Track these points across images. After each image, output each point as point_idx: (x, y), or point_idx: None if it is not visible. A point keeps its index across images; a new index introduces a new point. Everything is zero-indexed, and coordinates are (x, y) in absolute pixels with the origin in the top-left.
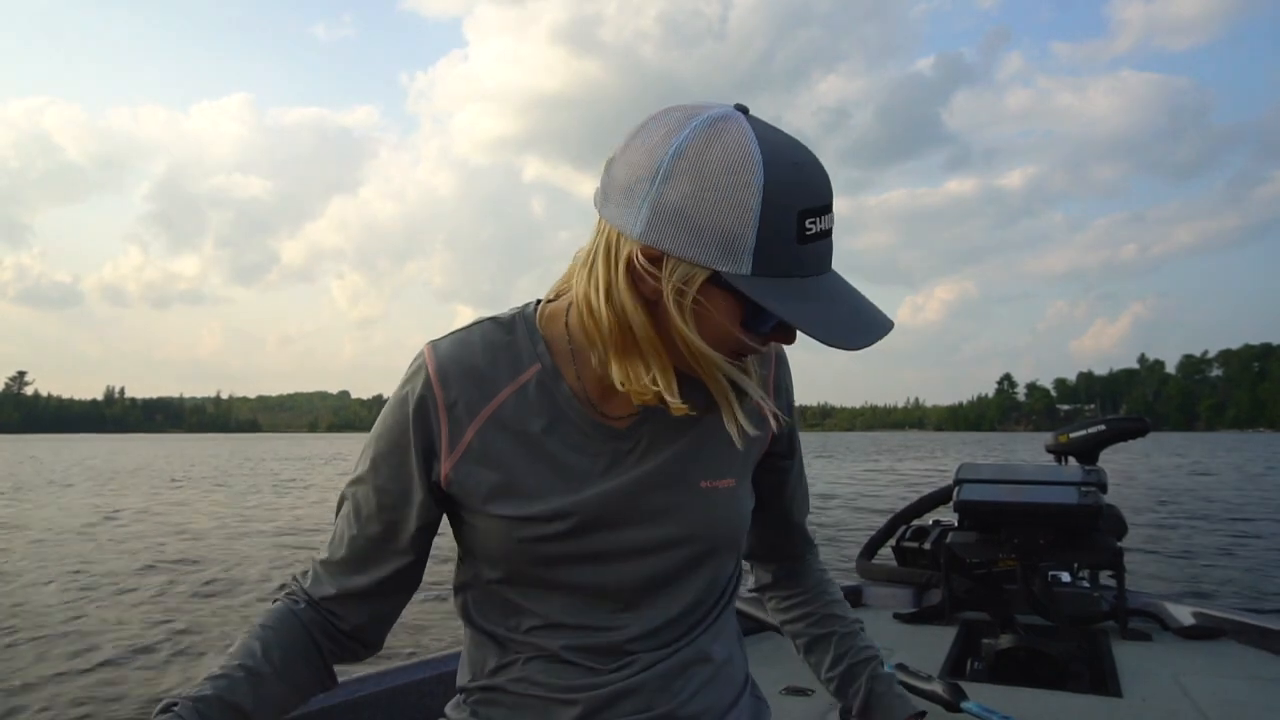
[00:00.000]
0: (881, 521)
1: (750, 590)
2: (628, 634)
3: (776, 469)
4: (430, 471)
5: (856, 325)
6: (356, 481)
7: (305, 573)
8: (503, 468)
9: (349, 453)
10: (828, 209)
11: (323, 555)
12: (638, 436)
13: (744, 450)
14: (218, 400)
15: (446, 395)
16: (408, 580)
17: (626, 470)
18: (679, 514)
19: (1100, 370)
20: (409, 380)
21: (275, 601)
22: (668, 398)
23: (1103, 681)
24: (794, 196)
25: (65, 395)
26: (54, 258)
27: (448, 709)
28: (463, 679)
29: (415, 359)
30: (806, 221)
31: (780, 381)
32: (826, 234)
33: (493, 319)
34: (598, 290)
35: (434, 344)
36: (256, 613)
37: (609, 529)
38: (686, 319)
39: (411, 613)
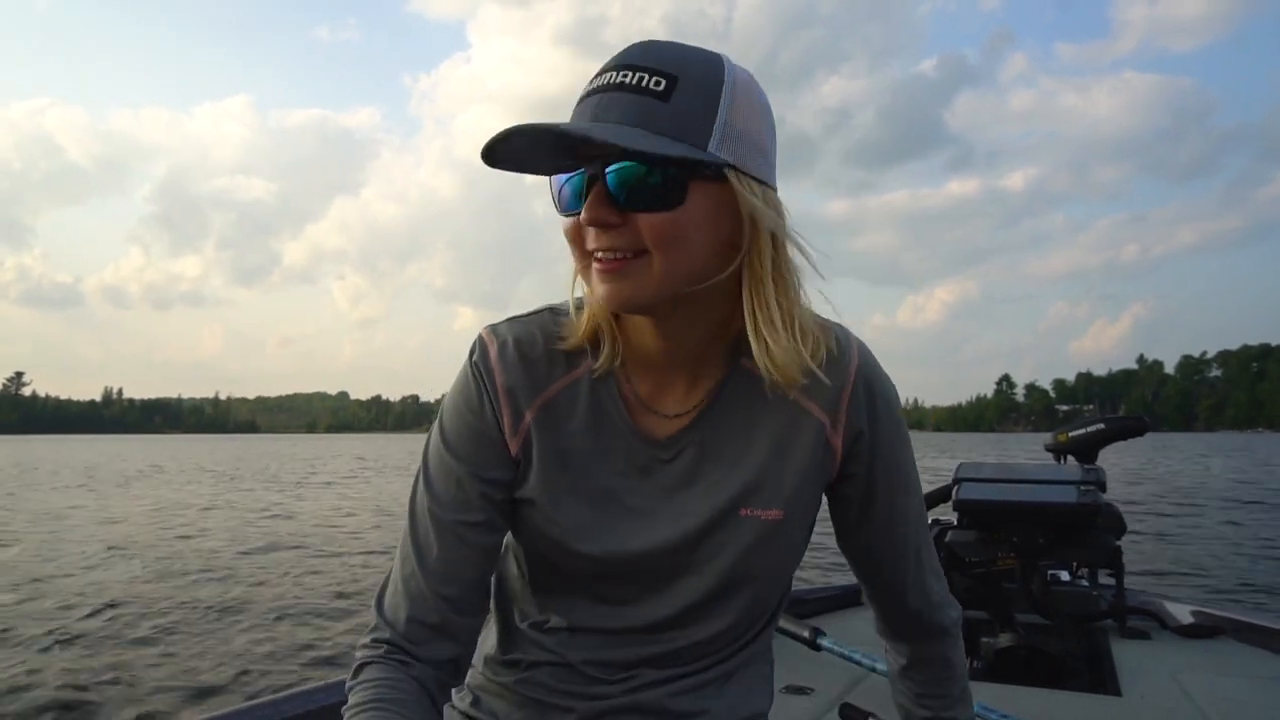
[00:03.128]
0: None
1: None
2: (643, 653)
3: (855, 513)
4: (502, 446)
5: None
6: (427, 481)
7: (389, 620)
8: (545, 468)
9: (350, 451)
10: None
11: (406, 573)
12: (680, 448)
13: (799, 481)
14: (216, 401)
15: (506, 379)
16: (486, 579)
17: (661, 488)
18: (711, 542)
19: (1099, 371)
20: (469, 363)
21: (369, 664)
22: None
23: (1102, 680)
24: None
25: (63, 396)
26: (56, 259)
27: (452, 693)
28: (459, 703)
29: (474, 343)
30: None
31: (856, 402)
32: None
33: (551, 309)
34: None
35: (493, 328)
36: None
37: (636, 553)
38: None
39: None
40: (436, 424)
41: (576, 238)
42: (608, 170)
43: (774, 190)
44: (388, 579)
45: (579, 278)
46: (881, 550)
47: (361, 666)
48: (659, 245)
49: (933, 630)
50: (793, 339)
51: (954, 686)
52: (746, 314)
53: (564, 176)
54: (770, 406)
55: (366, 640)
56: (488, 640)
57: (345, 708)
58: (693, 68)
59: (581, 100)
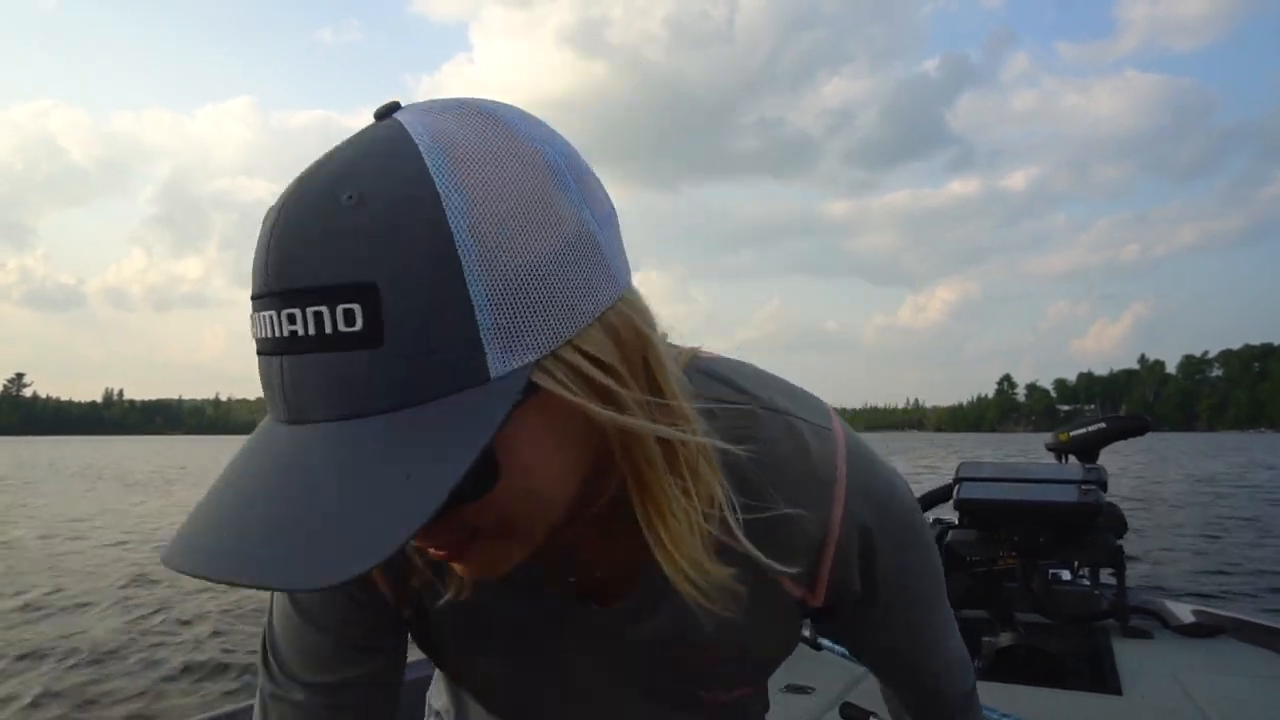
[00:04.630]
0: None
1: None
2: None
3: (848, 633)
4: (384, 605)
5: (200, 544)
6: (273, 648)
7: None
8: (447, 631)
9: None
10: (276, 296)
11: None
12: (622, 623)
13: (772, 653)
14: (217, 403)
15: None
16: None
17: (602, 666)
18: None
19: (1101, 371)
20: None
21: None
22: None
23: (1103, 679)
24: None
25: (64, 397)
26: (58, 260)
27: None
28: (435, 701)
29: None
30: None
31: (842, 565)
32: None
33: None
34: None
35: None
36: None
37: None
38: None
39: None
40: (280, 609)
41: None
42: None
43: (624, 292)
44: None
45: None
46: (888, 654)
47: None
48: (497, 528)
49: (944, 709)
50: (703, 544)
51: None
52: (640, 519)
53: None
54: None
55: None
56: (439, 687)
57: None
58: (388, 243)
59: (258, 349)
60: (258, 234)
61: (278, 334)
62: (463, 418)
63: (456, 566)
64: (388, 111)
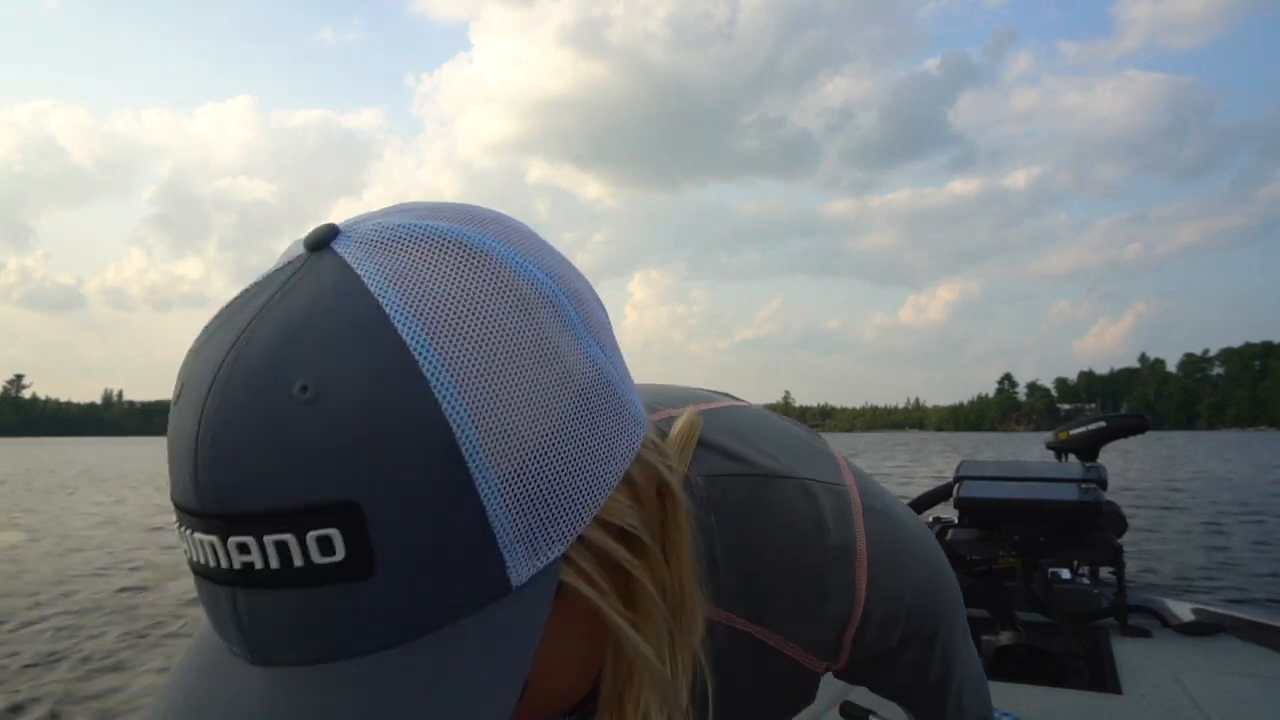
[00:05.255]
0: None
1: None
2: None
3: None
4: None
5: None
6: None
7: None
8: None
9: None
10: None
11: None
12: None
13: (781, 715)
14: None
15: None
16: None
17: None
18: None
19: (1102, 370)
20: None
21: None
22: None
23: (1102, 678)
24: None
25: (63, 399)
26: (57, 261)
27: None
28: None
29: None
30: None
31: (865, 638)
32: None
33: None
34: None
35: None
36: None
37: None
38: None
39: None
40: None
41: None
42: None
43: (640, 442)
44: None
45: None
46: (905, 690)
47: None
48: None
49: None
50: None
51: None
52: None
53: None
54: (736, 650)
55: None
56: None
57: None
58: (356, 441)
59: (192, 567)
60: (167, 432)
61: (223, 565)
62: (494, 640)
63: None
64: (322, 241)
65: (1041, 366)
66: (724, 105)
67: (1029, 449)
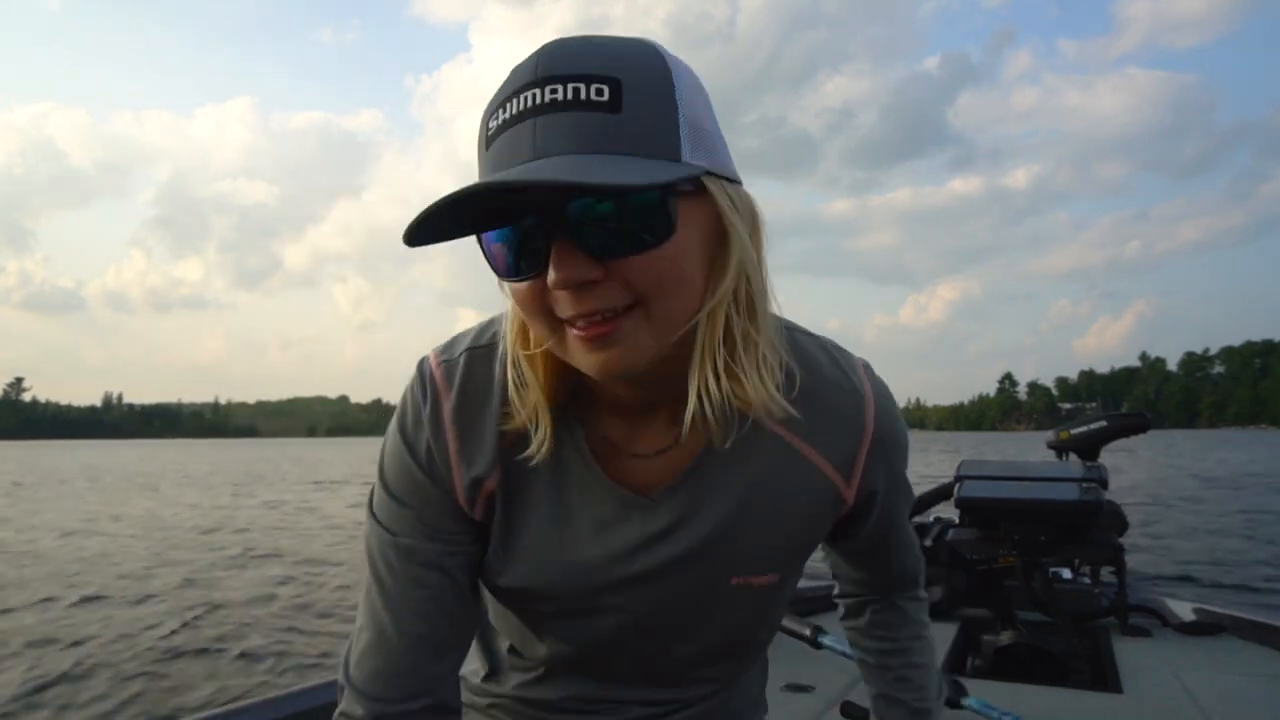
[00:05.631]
0: None
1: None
2: (629, 695)
3: (843, 536)
4: (457, 508)
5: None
6: (380, 532)
7: (359, 688)
8: (507, 534)
9: (336, 458)
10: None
11: (371, 632)
12: (660, 506)
13: (801, 542)
14: (215, 406)
15: (461, 443)
16: (462, 620)
17: (640, 554)
18: (698, 610)
19: (1102, 369)
20: (416, 408)
21: None
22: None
23: (1103, 677)
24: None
25: (63, 401)
26: (57, 263)
27: None
28: (464, 667)
29: (422, 381)
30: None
31: (874, 461)
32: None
33: (498, 333)
34: None
35: (446, 364)
36: None
37: (613, 627)
38: None
39: None
40: (380, 476)
41: (539, 306)
42: (569, 214)
43: (741, 184)
44: (351, 643)
45: (519, 339)
46: (863, 549)
47: None
48: (656, 293)
49: (906, 585)
50: (766, 375)
51: (919, 647)
52: (715, 345)
53: (499, 233)
54: (770, 455)
55: (338, 716)
56: (472, 660)
57: None
58: (632, 64)
59: (499, 132)
60: (503, 82)
61: (538, 101)
62: (667, 166)
63: (590, 356)
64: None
65: (1042, 366)
66: (724, 105)
67: (1030, 448)
